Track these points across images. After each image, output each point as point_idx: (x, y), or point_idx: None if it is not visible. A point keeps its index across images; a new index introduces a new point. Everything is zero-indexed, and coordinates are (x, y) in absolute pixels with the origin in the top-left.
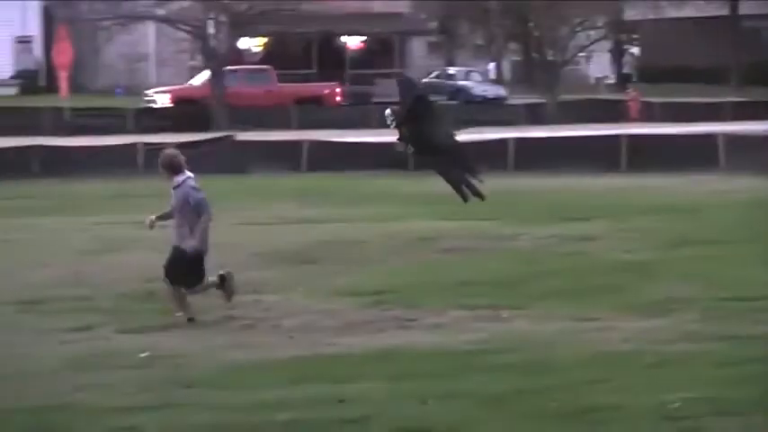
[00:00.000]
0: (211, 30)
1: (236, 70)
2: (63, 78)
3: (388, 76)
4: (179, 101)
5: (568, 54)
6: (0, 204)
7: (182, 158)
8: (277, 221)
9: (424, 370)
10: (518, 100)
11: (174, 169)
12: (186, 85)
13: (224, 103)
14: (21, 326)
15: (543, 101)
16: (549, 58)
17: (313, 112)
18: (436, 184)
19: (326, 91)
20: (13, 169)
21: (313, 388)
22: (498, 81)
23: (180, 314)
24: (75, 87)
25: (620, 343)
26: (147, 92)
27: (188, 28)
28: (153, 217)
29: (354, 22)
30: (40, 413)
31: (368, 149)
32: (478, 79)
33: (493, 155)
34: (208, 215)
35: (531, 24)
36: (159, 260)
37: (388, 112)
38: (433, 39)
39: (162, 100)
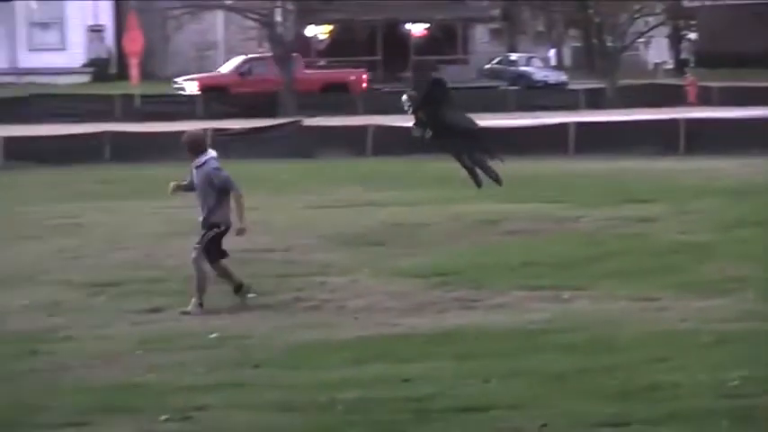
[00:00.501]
0: (278, 17)
1: (262, 57)
2: (134, 66)
3: (451, 62)
4: (206, 88)
5: (627, 40)
6: (73, 189)
7: (205, 139)
8: (343, 205)
9: (488, 349)
10: (578, 85)
11: (197, 149)
12: (214, 72)
13: (292, 89)
14: (94, 307)
15: (603, 86)
16: (609, 44)
17: (381, 97)
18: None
19: (352, 77)
20: (86, 155)
21: (378, 368)
22: (559, 67)
23: (252, 295)
24: (146, 75)
25: (678, 322)
26: (176, 79)
27: (256, 16)
28: (173, 184)
29: (418, 10)
30: (112, 392)
31: None
32: (539, 65)
33: (554, 139)
34: (237, 191)
35: (590, 11)
36: (228, 242)
37: (404, 97)
38: (495, 25)
39: (190, 87)
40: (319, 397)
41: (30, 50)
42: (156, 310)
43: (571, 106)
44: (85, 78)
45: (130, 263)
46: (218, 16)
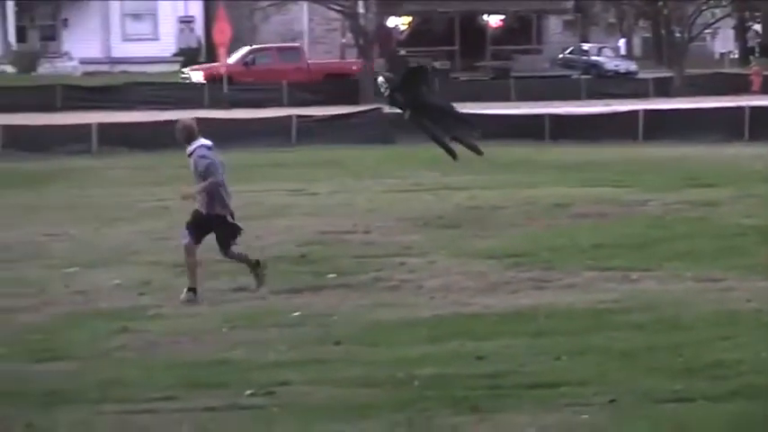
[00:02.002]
0: (361, 9)
1: (268, 48)
2: (222, 55)
3: (526, 52)
4: (211, 78)
5: (694, 31)
6: (162, 173)
7: (195, 127)
8: (421, 189)
9: (558, 328)
10: (647, 74)
11: (188, 138)
12: (220, 63)
13: (375, 76)
14: (182, 287)
15: (671, 75)
16: (677, 34)
17: (460, 85)
18: (568, 153)
19: (355, 67)
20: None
21: (453, 345)
22: (629, 56)
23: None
24: None
25: (742, 302)
26: (183, 70)
27: (339, 7)
28: (184, 192)
29: (495, 1)
30: (199, 368)
31: (506, 120)
32: (610, 55)
33: (624, 126)
34: (214, 179)
35: (660, 3)
36: (311, 225)
37: (380, 79)
38: (568, 17)
39: (196, 77)
40: (397, 373)
41: (123, 40)
42: (240, 290)
43: (640, 94)
44: (176, 67)
45: (215, 244)
46: (303, 7)
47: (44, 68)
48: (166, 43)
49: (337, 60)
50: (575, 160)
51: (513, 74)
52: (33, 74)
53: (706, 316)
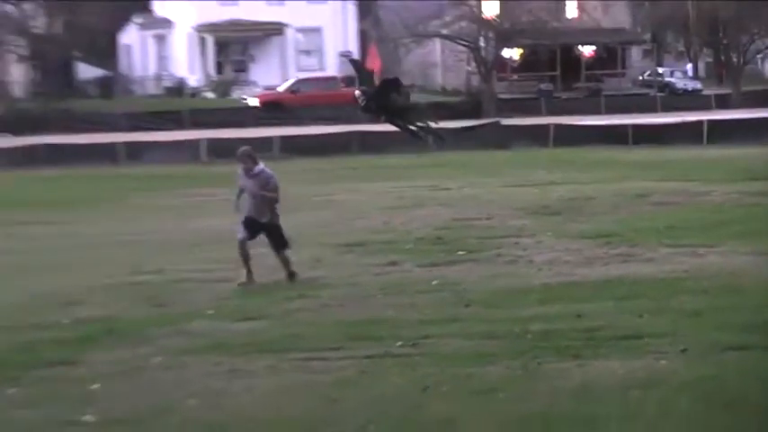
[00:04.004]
0: (482, 43)
1: (310, 78)
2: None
3: (613, 75)
4: (266, 103)
5: (748, 56)
6: (328, 174)
7: (255, 154)
8: (530, 184)
9: (640, 292)
10: (710, 91)
11: (254, 160)
12: (273, 90)
13: (494, 96)
14: (345, 262)
15: (729, 91)
16: (734, 59)
17: (561, 102)
18: (647, 155)
19: None
20: (338, 149)
21: (557, 307)
22: (695, 77)
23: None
24: None
25: None
26: (244, 96)
27: (465, 42)
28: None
29: (588, 36)
30: (360, 325)
31: (597, 129)
32: (680, 76)
33: (691, 132)
34: (277, 196)
35: (720, 34)
36: (445, 213)
37: (357, 92)
38: (646, 46)
39: (253, 102)
40: (514, 328)
41: (297, 71)
42: (392, 264)
43: (705, 107)
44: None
45: (371, 229)
46: (437, 43)
47: (236, 94)
48: (330, 73)
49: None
50: (652, 160)
51: (603, 92)
52: (228, 98)
53: (760, 283)
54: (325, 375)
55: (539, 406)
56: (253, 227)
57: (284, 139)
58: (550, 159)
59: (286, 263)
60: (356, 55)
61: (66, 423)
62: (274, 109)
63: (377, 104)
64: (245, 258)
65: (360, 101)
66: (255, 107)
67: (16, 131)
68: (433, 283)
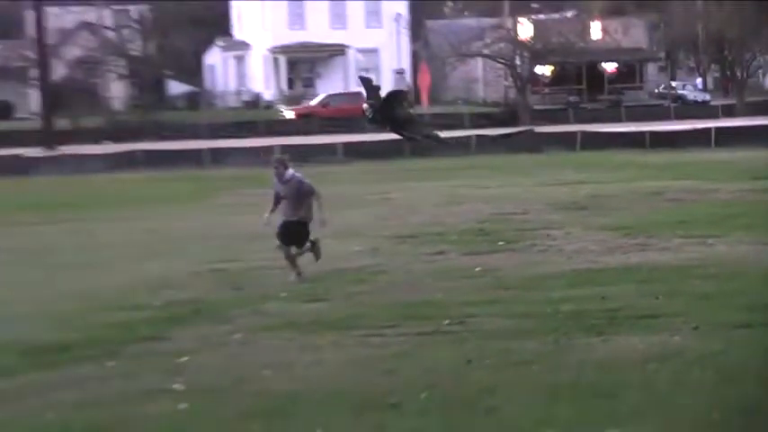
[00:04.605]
0: (518, 61)
1: (337, 94)
2: (424, 95)
3: (632, 88)
4: (300, 115)
5: (751, 71)
6: (384, 175)
7: (286, 161)
8: (560, 183)
9: (657, 277)
10: (717, 102)
11: (287, 167)
12: (306, 104)
13: (528, 107)
14: (400, 252)
15: (734, 102)
16: (738, 74)
17: (587, 112)
18: (662, 157)
19: None
20: (391, 153)
21: (584, 290)
22: (704, 90)
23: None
24: (432, 100)
25: None
26: (281, 108)
27: (503, 60)
28: (266, 215)
29: (610, 54)
30: (412, 306)
31: (618, 135)
32: (691, 89)
33: (701, 138)
34: (318, 193)
35: (725, 52)
36: (486, 209)
37: (365, 106)
38: (661, 63)
39: (289, 114)
40: (547, 309)
41: (358, 87)
42: (440, 253)
43: (712, 116)
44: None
45: (423, 223)
46: (479, 61)
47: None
48: (386, 88)
49: None
50: (666, 162)
51: (623, 103)
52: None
53: (762, 270)
54: (383, 350)
55: (568, 376)
56: (287, 232)
57: (346, 144)
58: (578, 162)
59: (292, 261)
60: (409, 72)
61: (159, 391)
62: (307, 121)
63: (383, 116)
64: (291, 261)
65: (367, 113)
66: (292, 119)
67: (116, 139)
68: (476, 269)
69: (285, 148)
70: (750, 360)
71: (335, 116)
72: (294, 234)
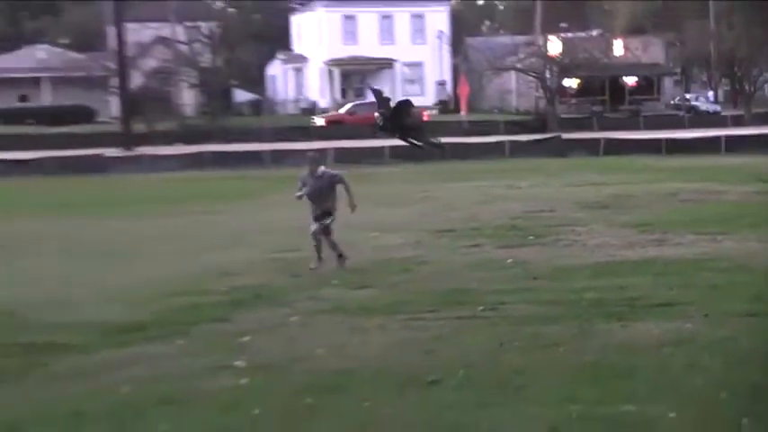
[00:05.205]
0: (547, 74)
1: (363, 103)
2: (463, 104)
3: (650, 99)
4: (330, 122)
5: (758, 85)
6: (425, 175)
7: (320, 159)
8: (584, 184)
9: (671, 270)
10: (727, 112)
11: (319, 164)
12: (336, 113)
13: (556, 116)
14: (440, 245)
15: (742, 113)
16: (746, 87)
17: (609, 121)
18: (677, 162)
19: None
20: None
21: (606, 280)
22: (715, 101)
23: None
24: (471, 109)
25: None
26: (313, 117)
27: (534, 73)
28: (298, 194)
29: (630, 69)
30: (450, 293)
31: (637, 142)
32: (704, 101)
33: (711, 144)
34: (347, 181)
35: (735, 68)
36: (517, 207)
37: (376, 114)
38: (677, 77)
39: (320, 122)
40: (571, 297)
41: (402, 96)
42: (476, 246)
43: (723, 125)
44: (435, 112)
45: (461, 218)
46: (512, 74)
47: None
48: (429, 98)
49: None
50: (680, 166)
51: (642, 113)
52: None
53: (767, 264)
54: (424, 332)
55: (591, 358)
56: (319, 213)
57: (392, 148)
58: (601, 166)
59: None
60: (450, 83)
61: (222, 367)
62: (337, 128)
63: (392, 124)
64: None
65: (378, 121)
66: (322, 126)
67: (187, 141)
68: (508, 261)
69: (338, 150)
70: (756, 346)
71: (361, 123)
72: (322, 216)
